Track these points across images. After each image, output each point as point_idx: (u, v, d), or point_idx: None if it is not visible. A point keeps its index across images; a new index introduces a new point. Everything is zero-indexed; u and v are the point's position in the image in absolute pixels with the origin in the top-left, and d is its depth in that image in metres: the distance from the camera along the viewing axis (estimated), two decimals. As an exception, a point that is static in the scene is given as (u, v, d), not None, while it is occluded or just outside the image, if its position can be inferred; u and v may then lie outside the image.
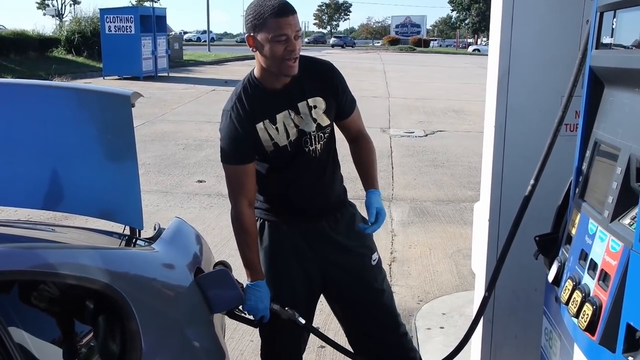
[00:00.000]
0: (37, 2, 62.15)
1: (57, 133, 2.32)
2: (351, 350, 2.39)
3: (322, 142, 2.22)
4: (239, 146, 2.13)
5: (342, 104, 2.25)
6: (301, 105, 2.16)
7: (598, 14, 1.71)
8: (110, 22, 19.07)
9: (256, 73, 2.15)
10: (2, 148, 2.35)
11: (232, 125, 2.11)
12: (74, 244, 2.05)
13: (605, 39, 1.68)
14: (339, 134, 2.32)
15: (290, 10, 2.01)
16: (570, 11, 2.37)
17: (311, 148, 2.20)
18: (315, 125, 2.18)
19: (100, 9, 20.01)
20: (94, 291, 1.61)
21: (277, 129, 2.14)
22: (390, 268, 4.66)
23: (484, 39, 65.82)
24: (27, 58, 20.69)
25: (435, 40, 76.99)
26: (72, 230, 2.50)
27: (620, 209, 1.47)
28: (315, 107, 2.17)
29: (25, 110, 2.34)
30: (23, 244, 1.79)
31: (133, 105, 2.19)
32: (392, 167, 8.08)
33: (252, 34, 2.04)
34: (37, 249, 1.64)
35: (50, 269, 1.53)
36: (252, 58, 2.15)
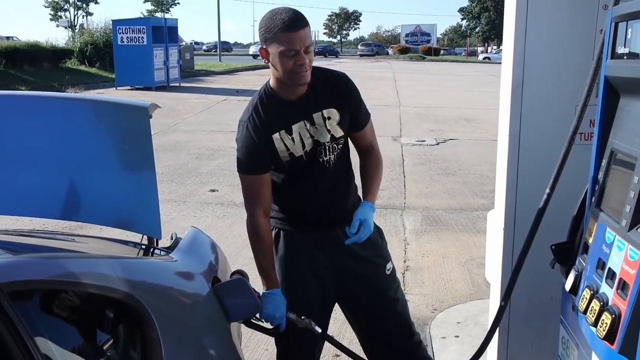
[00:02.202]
0: (50, 14, 62.87)
1: (75, 144, 2.35)
2: (365, 359, 2.40)
3: (335, 153, 2.24)
4: (255, 156, 2.15)
5: (355, 116, 2.27)
6: (316, 116, 2.18)
7: (612, 24, 1.72)
8: (123, 33, 19.26)
9: (272, 84, 2.17)
10: (21, 159, 2.39)
11: (248, 136, 2.14)
12: (95, 254, 2.08)
13: (620, 49, 1.69)
14: (352, 147, 2.34)
15: (300, 25, 2.01)
16: (584, 20, 2.39)
17: (325, 159, 2.22)
18: (329, 136, 2.20)
19: (113, 20, 20.21)
20: (115, 300, 1.63)
21: (293, 139, 2.16)
22: (403, 277, 4.65)
23: (494, 47, 65.73)
24: (40, 69, 20.92)
25: (446, 49, 75.66)
26: (92, 239, 2.53)
27: (638, 218, 1.48)
28: (329, 118, 2.19)
29: (44, 122, 2.38)
30: (46, 254, 1.82)
31: (150, 117, 2.22)
32: (404, 176, 8.08)
33: (264, 47, 2.07)
34: (59, 259, 1.67)
35: (73, 278, 1.56)
36: (263, 67, 2.17)
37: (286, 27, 2.00)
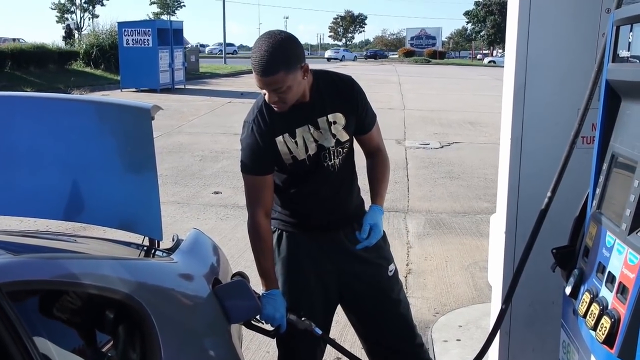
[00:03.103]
0: (57, 16, 63.16)
1: (78, 145, 2.36)
2: (367, 362, 2.40)
3: (341, 157, 2.24)
4: (258, 158, 2.16)
5: (361, 119, 2.26)
6: (321, 121, 2.18)
7: (614, 27, 1.72)
8: (128, 36, 19.31)
9: None
10: (26, 160, 2.40)
11: (252, 137, 2.14)
12: (95, 255, 2.08)
13: (622, 53, 1.68)
14: (357, 146, 2.33)
15: (266, 73, 1.96)
16: (587, 24, 2.38)
17: (330, 163, 2.21)
18: (334, 140, 2.20)
19: (119, 23, 20.27)
20: (115, 301, 1.64)
21: (296, 142, 2.16)
22: (406, 280, 4.65)
23: (500, 51, 65.64)
24: (46, 71, 21.00)
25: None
26: (93, 240, 2.53)
27: (638, 222, 1.47)
28: (334, 122, 2.19)
29: (48, 123, 2.39)
30: (47, 254, 1.83)
31: (153, 118, 2.23)
32: (408, 179, 8.07)
33: None
34: (60, 259, 1.68)
35: (73, 279, 1.56)
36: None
37: (255, 69, 2.00)
